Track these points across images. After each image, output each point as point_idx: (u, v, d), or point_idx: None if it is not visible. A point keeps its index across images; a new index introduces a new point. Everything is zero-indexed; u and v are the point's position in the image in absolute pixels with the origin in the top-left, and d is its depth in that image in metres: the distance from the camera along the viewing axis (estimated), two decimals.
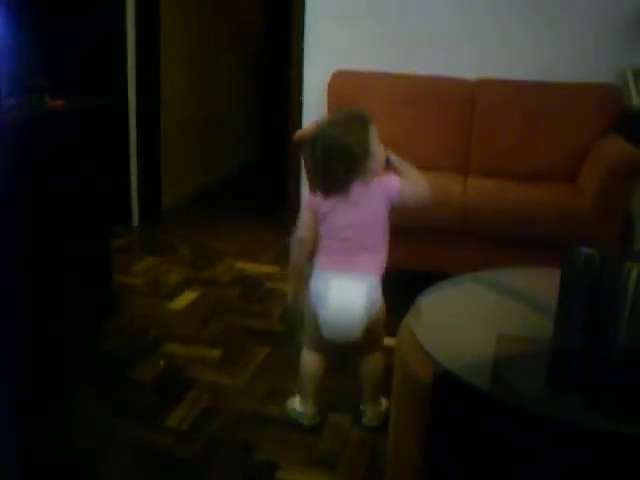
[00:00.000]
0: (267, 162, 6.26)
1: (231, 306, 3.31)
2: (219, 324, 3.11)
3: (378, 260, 2.25)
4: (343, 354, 2.51)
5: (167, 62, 4.58)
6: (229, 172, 5.94)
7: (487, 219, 3.18)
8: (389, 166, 2.30)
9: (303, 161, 2.29)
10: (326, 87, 3.87)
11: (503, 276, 2.23)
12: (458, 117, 3.73)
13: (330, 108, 3.84)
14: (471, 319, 1.90)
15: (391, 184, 2.24)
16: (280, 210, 4.45)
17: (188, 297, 3.39)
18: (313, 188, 2.27)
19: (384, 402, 2.42)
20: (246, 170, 6.24)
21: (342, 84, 3.85)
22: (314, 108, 4.00)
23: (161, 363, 2.73)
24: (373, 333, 2.29)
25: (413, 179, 2.26)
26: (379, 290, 2.26)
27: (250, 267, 3.82)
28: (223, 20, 5.63)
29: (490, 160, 3.68)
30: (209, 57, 5.44)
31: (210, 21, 5.38)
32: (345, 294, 2.20)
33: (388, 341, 2.73)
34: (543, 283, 2.11)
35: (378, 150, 2.23)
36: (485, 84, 3.75)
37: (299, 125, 4.02)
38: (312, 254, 2.33)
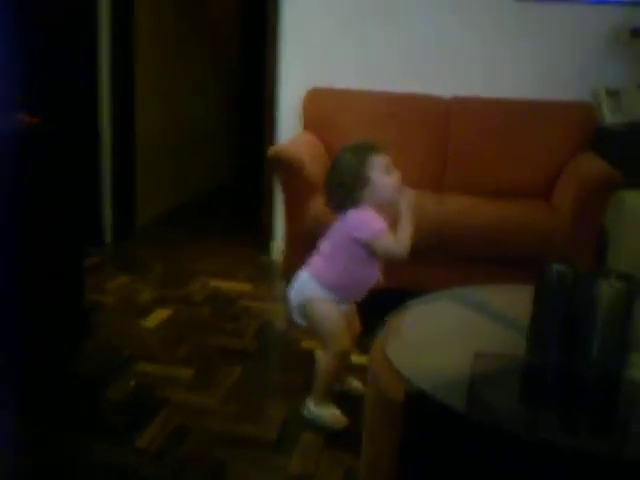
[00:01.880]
0: (243, 181, 6.24)
1: (204, 325, 3.27)
2: (191, 343, 3.06)
3: (323, 267, 2.39)
4: None
5: (142, 78, 4.56)
6: (205, 190, 5.90)
7: (463, 237, 3.18)
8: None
9: None
10: (301, 104, 3.86)
11: (477, 293, 2.21)
12: (433, 135, 3.74)
13: (305, 125, 3.83)
14: (444, 337, 1.88)
15: (359, 224, 2.32)
16: (256, 229, 4.42)
17: (160, 315, 3.34)
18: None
19: (328, 409, 2.45)
20: (222, 189, 6.20)
21: (317, 101, 3.84)
22: (289, 125, 3.99)
23: (131, 383, 2.68)
24: (313, 329, 2.48)
25: (401, 237, 2.30)
26: (312, 291, 2.39)
27: (224, 285, 3.78)
28: (198, 36, 5.62)
29: (466, 177, 3.68)
30: (184, 73, 5.42)
31: (186, 37, 5.37)
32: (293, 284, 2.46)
33: (360, 359, 2.73)
34: (518, 300, 2.08)
35: (384, 180, 2.32)
36: (460, 101, 3.76)
37: (273, 142, 4.00)
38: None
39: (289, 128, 3.99)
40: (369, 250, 2.32)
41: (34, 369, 2.71)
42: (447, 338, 1.87)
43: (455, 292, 2.16)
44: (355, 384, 2.63)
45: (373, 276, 2.42)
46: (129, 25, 4.35)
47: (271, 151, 3.32)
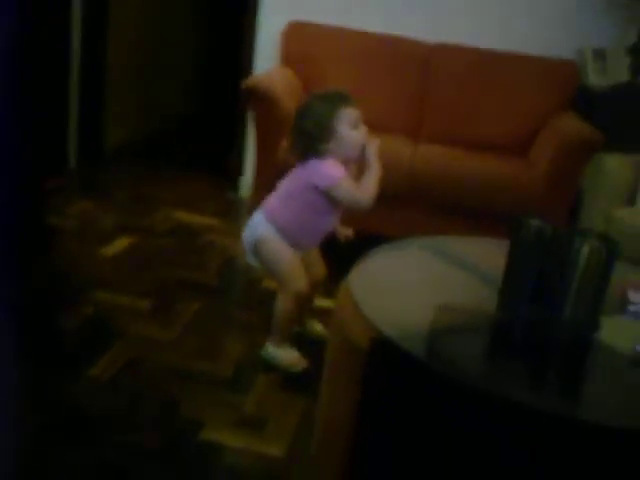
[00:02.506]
0: (216, 111, 6.07)
1: (166, 256, 3.19)
2: (151, 274, 2.98)
3: (276, 209, 2.34)
4: None
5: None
6: (176, 118, 5.71)
7: (435, 186, 3.12)
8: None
9: None
10: (280, 37, 3.73)
11: (449, 244, 2.17)
12: (413, 80, 3.64)
13: (283, 59, 3.70)
14: (414, 286, 1.83)
15: (319, 172, 2.26)
16: (226, 163, 4.32)
17: (121, 244, 3.24)
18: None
19: (286, 350, 2.41)
20: (194, 117, 6.03)
21: (297, 35, 3.71)
22: (267, 58, 3.85)
23: (88, 311, 2.60)
24: (266, 270, 2.48)
25: (365, 185, 2.26)
26: (264, 231, 2.33)
27: (189, 218, 3.68)
28: None
29: (443, 127, 3.60)
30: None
31: None
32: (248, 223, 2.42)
33: (326, 303, 2.68)
34: (491, 254, 2.05)
35: (350, 135, 2.25)
36: (443, 49, 3.66)
37: (249, 74, 3.86)
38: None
39: (266, 61, 3.85)
40: (330, 198, 2.27)
41: None
42: (418, 287, 1.82)
43: (427, 241, 2.12)
44: (317, 327, 2.59)
45: (327, 225, 2.38)
46: None
47: (246, 83, 3.20)
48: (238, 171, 4.15)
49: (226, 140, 4.40)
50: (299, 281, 2.34)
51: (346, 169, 2.28)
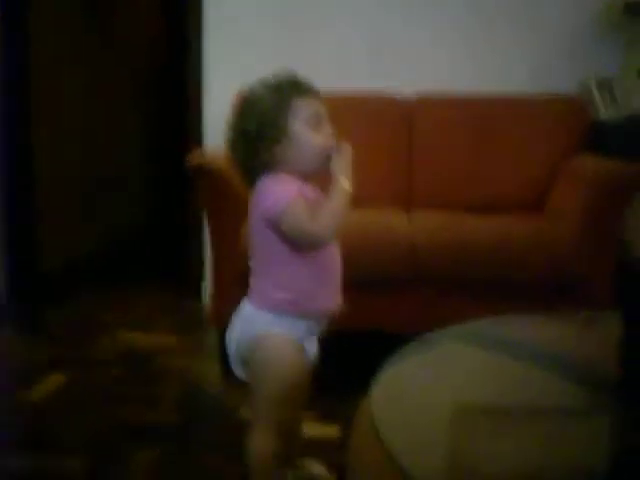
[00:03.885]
0: (165, 216, 5.39)
1: (109, 392, 2.46)
2: (89, 419, 2.24)
3: (261, 286, 1.64)
4: None
5: (37, 95, 3.76)
6: (119, 231, 5.00)
7: (442, 259, 2.45)
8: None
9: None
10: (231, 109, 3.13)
11: (486, 329, 1.49)
12: (396, 139, 3.05)
13: None
14: (463, 392, 1.14)
15: (265, 194, 1.57)
16: (182, 271, 3.63)
17: (51, 383, 2.50)
18: None
19: None
20: (140, 227, 5.33)
21: None
22: (217, 136, 3.24)
23: None
24: (252, 380, 1.65)
25: (321, 212, 1.54)
26: (261, 324, 1.60)
27: (140, 339, 2.96)
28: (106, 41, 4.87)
29: (436, 189, 2.98)
30: (90, 90, 4.65)
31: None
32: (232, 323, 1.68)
33: (330, 431, 1.97)
34: (544, 334, 1.42)
35: (307, 136, 1.57)
36: (425, 99, 3.08)
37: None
38: None
39: (218, 141, 3.24)
40: (279, 233, 1.57)
41: None
42: (467, 393, 1.12)
43: (456, 331, 1.43)
44: (317, 469, 1.84)
45: (334, 263, 1.65)
46: (26, 38, 3.59)
47: (192, 159, 2.56)
48: (198, 276, 3.47)
49: (182, 246, 3.74)
50: (285, 403, 1.61)
51: (306, 188, 1.60)
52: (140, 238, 5.05)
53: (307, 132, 1.58)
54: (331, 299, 1.64)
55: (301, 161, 1.59)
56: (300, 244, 1.57)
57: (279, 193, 1.54)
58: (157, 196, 5.76)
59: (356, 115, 3.03)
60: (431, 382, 1.16)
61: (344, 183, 1.56)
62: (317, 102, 1.61)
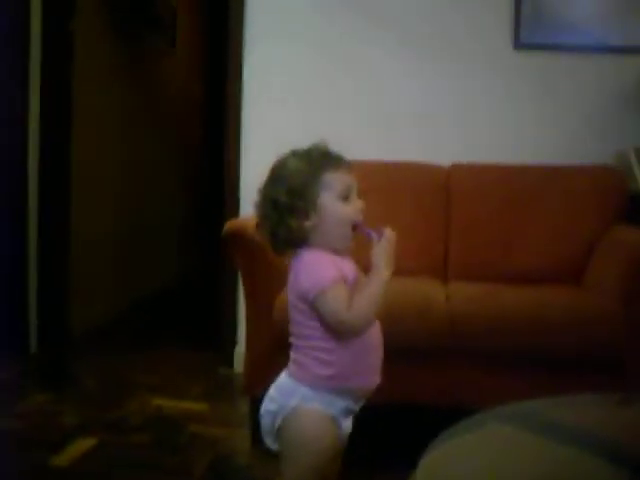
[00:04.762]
0: (200, 280, 5.43)
1: (138, 459, 2.42)
2: None
3: (301, 360, 1.60)
4: None
5: (78, 160, 3.84)
6: (154, 291, 5.03)
7: (479, 331, 2.41)
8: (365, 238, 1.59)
9: None
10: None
11: (534, 410, 1.44)
12: (431, 211, 3.03)
13: None
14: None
15: (302, 272, 1.56)
16: (215, 335, 3.61)
17: (80, 447, 2.47)
18: None
19: None
20: (175, 289, 5.36)
21: None
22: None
23: None
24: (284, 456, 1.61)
25: (357, 299, 1.53)
26: (298, 397, 1.56)
27: (171, 405, 2.93)
28: (150, 118, 4.98)
29: (472, 260, 2.95)
30: (132, 157, 4.74)
31: (135, 120, 4.71)
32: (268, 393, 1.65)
33: None
34: (582, 415, 1.38)
35: (336, 209, 1.55)
36: (461, 170, 3.08)
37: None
38: None
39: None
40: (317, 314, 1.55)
41: None
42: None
43: (503, 411, 1.38)
44: None
45: (375, 338, 1.62)
46: (67, 100, 3.70)
47: (227, 228, 2.57)
48: (231, 341, 3.45)
49: (215, 308, 3.73)
50: (322, 479, 1.57)
51: (344, 263, 1.58)
52: (173, 301, 5.07)
53: (337, 206, 1.56)
54: (371, 378, 1.61)
55: (331, 235, 1.57)
56: (334, 330, 1.55)
57: (318, 275, 1.53)
58: (190, 259, 5.81)
59: (393, 183, 3.05)
60: (478, 468, 1.12)
61: (384, 271, 1.54)
62: (347, 176, 1.59)
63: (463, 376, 2.42)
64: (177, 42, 5.34)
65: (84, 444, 2.51)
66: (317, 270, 1.54)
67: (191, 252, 5.78)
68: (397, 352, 2.26)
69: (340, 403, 1.58)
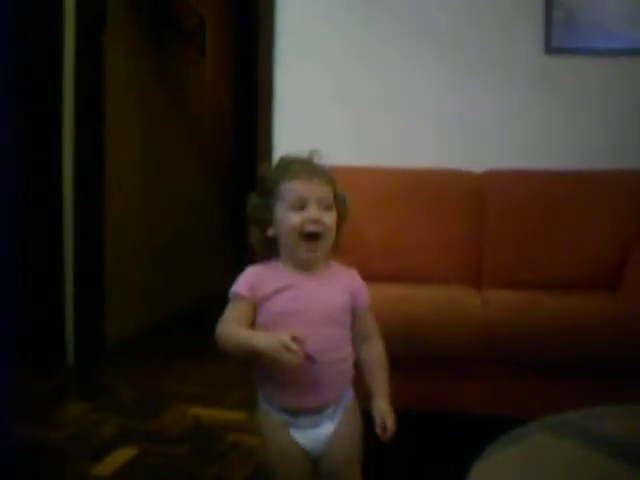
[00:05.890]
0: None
1: (179, 469, 2.44)
2: None
3: None
4: None
5: (113, 169, 3.89)
6: (189, 302, 5.07)
7: (517, 339, 2.39)
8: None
9: None
10: None
11: (581, 421, 1.42)
12: (465, 218, 3.01)
13: None
14: None
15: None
16: None
17: (121, 457, 2.50)
18: None
19: None
20: (209, 300, 5.38)
21: None
22: None
23: None
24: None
25: (238, 332, 1.57)
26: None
27: (208, 414, 2.95)
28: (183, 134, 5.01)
29: (506, 266, 2.93)
30: (167, 161, 4.78)
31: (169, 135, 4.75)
32: None
33: None
34: (631, 425, 1.35)
35: (286, 219, 1.55)
36: (495, 176, 3.06)
37: None
38: None
39: None
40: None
41: None
42: None
43: (550, 422, 1.37)
44: None
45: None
46: (100, 116, 3.74)
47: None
48: None
49: None
50: None
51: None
52: (205, 312, 5.09)
53: (286, 215, 1.55)
54: (298, 399, 1.60)
55: (286, 246, 1.58)
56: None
57: (237, 281, 1.59)
58: (223, 272, 5.83)
59: (426, 190, 3.04)
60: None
61: (262, 345, 1.47)
62: (305, 185, 1.54)
63: (497, 384, 2.40)
64: (206, 51, 5.37)
65: (124, 454, 2.53)
66: (240, 278, 1.59)
67: (224, 266, 5.81)
68: (430, 359, 2.30)
69: (279, 415, 1.62)
